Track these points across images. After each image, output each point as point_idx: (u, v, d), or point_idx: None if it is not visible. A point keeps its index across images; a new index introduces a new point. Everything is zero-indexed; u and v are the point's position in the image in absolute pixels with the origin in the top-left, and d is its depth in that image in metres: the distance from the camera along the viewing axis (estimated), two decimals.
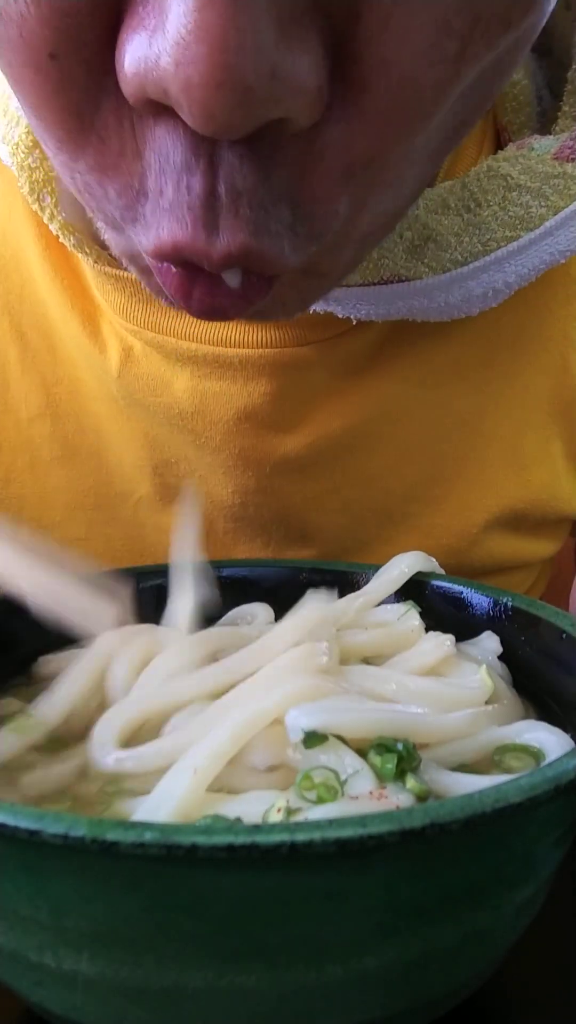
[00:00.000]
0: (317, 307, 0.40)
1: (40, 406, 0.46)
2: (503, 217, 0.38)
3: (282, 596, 0.48)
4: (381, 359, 0.45)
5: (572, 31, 0.41)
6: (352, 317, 0.40)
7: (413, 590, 0.46)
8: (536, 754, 0.35)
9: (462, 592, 0.46)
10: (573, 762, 0.27)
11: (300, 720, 0.32)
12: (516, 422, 0.48)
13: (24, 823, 0.24)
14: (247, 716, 0.33)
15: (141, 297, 0.43)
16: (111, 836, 0.23)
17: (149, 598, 0.50)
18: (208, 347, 0.43)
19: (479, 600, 0.45)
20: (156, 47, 0.23)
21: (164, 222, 0.27)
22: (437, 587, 0.46)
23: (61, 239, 0.42)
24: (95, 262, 0.43)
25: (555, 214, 0.38)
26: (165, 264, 0.29)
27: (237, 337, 0.42)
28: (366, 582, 0.49)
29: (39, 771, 0.36)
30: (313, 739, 0.32)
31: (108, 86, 0.26)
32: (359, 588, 0.49)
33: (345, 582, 0.50)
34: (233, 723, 0.32)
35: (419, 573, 0.47)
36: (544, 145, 0.39)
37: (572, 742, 0.35)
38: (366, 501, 0.48)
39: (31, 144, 0.39)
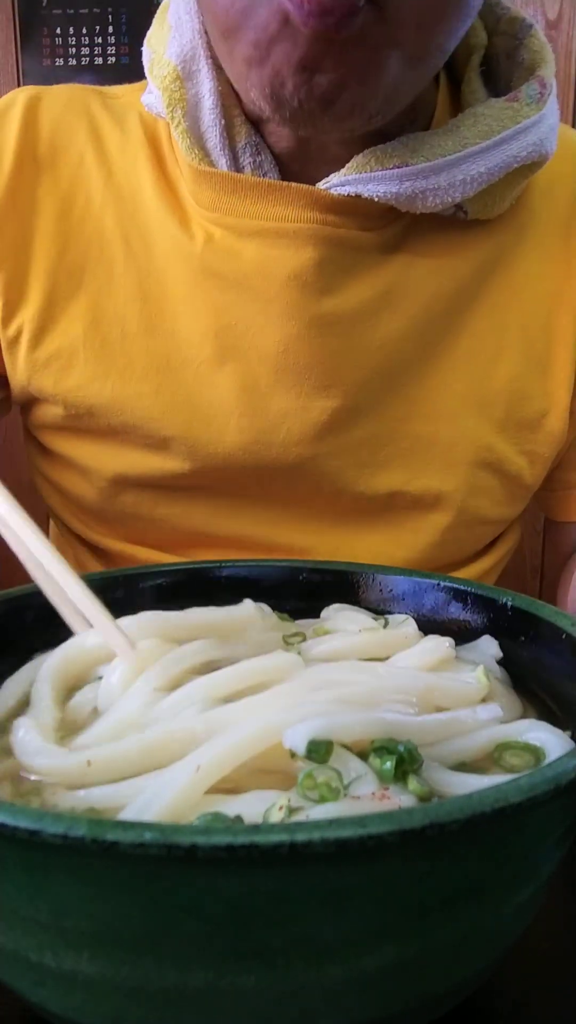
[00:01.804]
0: (348, 189, 0.58)
1: (134, 291, 0.64)
2: (474, 131, 0.59)
3: (282, 596, 0.48)
4: (401, 245, 0.63)
5: (512, 71, 0.64)
6: (375, 197, 0.58)
7: (415, 590, 0.46)
8: (537, 752, 0.35)
9: (462, 592, 0.46)
10: (573, 762, 0.27)
11: (300, 735, 0.32)
12: (486, 324, 0.65)
13: (24, 823, 0.24)
14: (254, 731, 0.32)
15: (226, 190, 0.61)
16: (111, 836, 0.23)
17: (148, 598, 0.50)
18: (273, 223, 0.60)
19: (479, 600, 0.45)
20: None
21: None
22: (437, 587, 0.46)
23: (179, 143, 0.61)
24: (199, 163, 0.61)
25: (506, 130, 0.59)
26: None
27: (294, 215, 0.60)
28: (364, 582, 0.49)
29: None
30: (318, 751, 0.31)
31: None
32: (358, 588, 0.49)
33: (344, 582, 0.50)
34: (242, 736, 0.32)
35: (421, 574, 0.47)
36: (499, 99, 0.61)
37: (572, 742, 0.35)
38: (372, 364, 0.63)
39: (175, 76, 0.61)
